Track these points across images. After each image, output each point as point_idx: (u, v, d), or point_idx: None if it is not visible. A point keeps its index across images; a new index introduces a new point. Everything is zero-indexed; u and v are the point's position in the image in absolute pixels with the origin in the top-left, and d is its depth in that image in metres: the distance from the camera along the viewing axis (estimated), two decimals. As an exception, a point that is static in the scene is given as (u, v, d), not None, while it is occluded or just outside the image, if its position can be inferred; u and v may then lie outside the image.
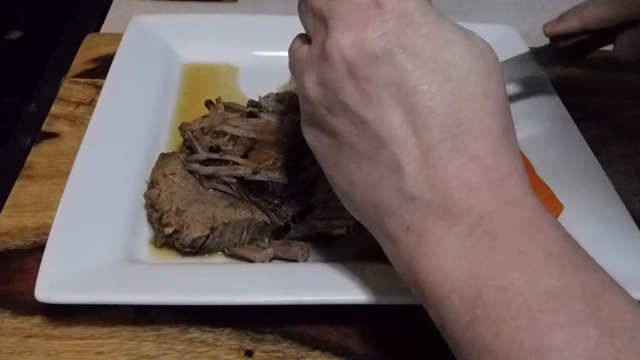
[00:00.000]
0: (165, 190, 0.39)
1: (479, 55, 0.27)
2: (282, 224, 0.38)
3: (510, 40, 0.57)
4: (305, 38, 0.31)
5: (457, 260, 0.25)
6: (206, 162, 0.40)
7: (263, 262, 0.37)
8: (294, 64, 0.31)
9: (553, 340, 0.22)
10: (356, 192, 0.29)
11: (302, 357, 0.34)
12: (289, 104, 0.42)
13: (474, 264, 0.24)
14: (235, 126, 0.40)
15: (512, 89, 0.52)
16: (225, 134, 0.40)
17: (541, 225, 0.25)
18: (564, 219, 0.40)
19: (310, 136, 0.31)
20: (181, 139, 0.43)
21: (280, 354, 0.34)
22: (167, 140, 0.46)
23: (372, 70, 0.26)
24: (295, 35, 0.31)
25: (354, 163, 0.28)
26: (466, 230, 0.25)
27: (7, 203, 0.41)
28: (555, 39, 0.49)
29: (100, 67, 0.53)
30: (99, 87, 0.50)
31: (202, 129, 0.42)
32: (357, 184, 0.29)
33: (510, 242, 0.24)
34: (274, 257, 0.38)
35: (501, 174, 0.26)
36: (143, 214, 0.39)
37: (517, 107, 0.50)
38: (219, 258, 0.38)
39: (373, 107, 0.27)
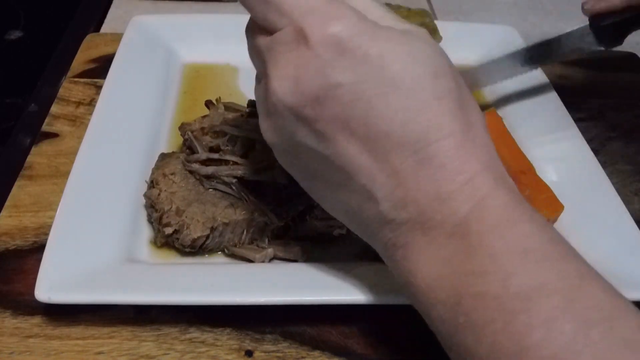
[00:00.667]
0: (165, 190, 0.39)
1: (423, 59, 0.26)
2: (282, 224, 0.38)
3: (510, 40, 0.57)
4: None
5: (439, 272, 0.25)
6: (206, 162, 0.40)
7: (263, 262, 0.37)
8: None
9: (529, 340, 0.22)
10: (338, 214, 0.30)
11: (302, 357, 0.34)
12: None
13: (454, 274, 0.25)
14: (235, 126, 0.40)
15: (512, 89, 0.52)
16: (225, 134, 0.40)
17: (513, 221, 0.25)
18: (564, 219, 0.40)
19: (289, 171, 0.31)
20: (181, 139, 0.43)
21: (280, 354, 0.34)
22: (167, 140, 0.46)
23: (317, 111, 0.26)
24: None
25: (331, 194, 0.29)
26: (444, 241, 0.25)
27: (7, 203, 0.41)
28: (595, 18, 0.46)
29: (100, 67, 0.53)
30: (99, 87, 0.50)
31: (202, 129, 0.42)
32: (339, 211, 0.30)
33: (482, 246, 0.24)
34: (274, 257, 0.38)
35: (470, 175, 0.25)
36: (143, 214, 0.39)
37: (517, 107, 0.50)
38: (219, 258, 0.38)
39: (330, 143, 0.27)
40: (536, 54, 0.48)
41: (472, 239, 0.25)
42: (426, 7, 0.71)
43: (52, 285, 0.33)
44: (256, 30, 0.28)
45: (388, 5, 0.51)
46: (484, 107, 0.51)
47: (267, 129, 0.29)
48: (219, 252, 0.38)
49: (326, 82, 0.25)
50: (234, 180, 0.38)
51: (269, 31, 0.27)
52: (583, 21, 0.48)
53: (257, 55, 0.29)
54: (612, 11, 0.45)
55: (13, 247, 0.38)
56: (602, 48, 0.47)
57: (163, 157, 0.42)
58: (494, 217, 0.25)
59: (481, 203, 0.25)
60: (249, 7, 0.28)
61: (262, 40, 0.28)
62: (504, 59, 0.49)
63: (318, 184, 0.29)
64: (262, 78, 0.29)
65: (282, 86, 0.26)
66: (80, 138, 0.42)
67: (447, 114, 0.26)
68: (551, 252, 0.24)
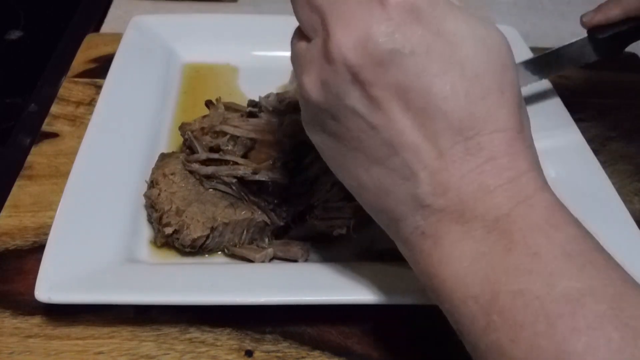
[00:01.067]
0: (165, 190, 0.39)
1: (493, 48, 0.25)
2: (282, 224, 0.39)
3: (510, 40, 0.56)
4: (304, 32, 0.28)
5: (473, 266, 0.24)
6: (206, 162, 0.40)
7: (263, 262, 0.37)
8: (294, 58, 0.29)
9: (573, 345, 0.21)
10: (366, 195, 0.28)
11: (302, 357, 0.34)
12: (289, 104, 0.42)
13: (490, 269, 0.24)
14: (235, 126, 0.40)
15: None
16: (225, 134, 0.40)
17: (558, 224, 0.24)
18: (564, 219, 0.40)
19: (314, 137, 0.29)
20: (181, 139, 0.43)
21: (280, 354, 0.34)
22: (167, 140, 0.46)
23: (379, 75, 0.25)
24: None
25: (363, 169, 0.27)
26: (482, 234, 0.24)
27: (7, 203, 0.41)
28: (593, 30, 0.46)
29: (100, 67, 0.53)
30: (99, 87, 0.50)
31: (202, 129, 0.42)
32: (367, 188, 0.28)
33: (526, 244, 0.23)
34: (274, 257, 0.38)
35: (517, 173, 0.25)
36: (143, 214, 0.39)
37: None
38: (219, 258, 0.38)
39: (382, 112, 0.25)
40: (536, 67, 0.49)
41: (515, 236, 0.24)
42: (426, 7, 0.70)
43: (52, 285, 0.33)
44: None
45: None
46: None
47: (311, 84, 0.27)
48: (219, 252, 0.38)
49: (395, 47, 0.24)
50: (234, 180, 0.38)
51: None
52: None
53: (312, 8, 0.26)
54: (610, 23, 0.46)
55: (13, 247, 0.38)
56: (601, 58, 0.47)
57: (163, 157, 0.42)
58: (539, 217, 0.24)
59: (527, 202, 0.24)
60: None
61: None
62: None
63: (351, 155, 0.27)
64: (313, 33, 0.27)
65: (347, 40, 0.25)
66: (80, 138, 0.42)
67: (507, 108, 0.25)
68: (596, 257, 0.23)
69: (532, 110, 0.50)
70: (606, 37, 0.46)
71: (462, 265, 0.24)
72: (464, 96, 0.24)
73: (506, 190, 0.24)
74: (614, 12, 0.45)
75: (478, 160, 0.25)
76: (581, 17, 0.47)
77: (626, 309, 0.22)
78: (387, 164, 0.26)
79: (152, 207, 0.38)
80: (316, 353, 0.34)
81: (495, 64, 0.25)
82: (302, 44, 0.28)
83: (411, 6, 0.24)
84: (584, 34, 0.48)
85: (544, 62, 0.48)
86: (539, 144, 0.46)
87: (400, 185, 0.26)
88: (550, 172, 0.44)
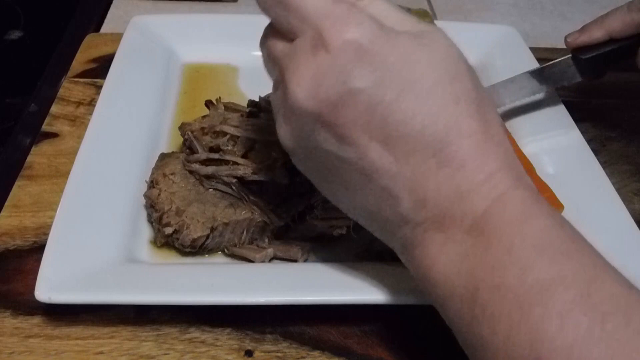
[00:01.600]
0: (165, 190, 0.39)
1: (440, 63, 0.26)
2: (282, 224, 0.38)
3: (510, 40, 0.57)
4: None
5: (457, 267, 0.26)
6: (206, 162, 0.40)
7: (263, 262, 0.37)
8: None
9: (544, 331, 0.22)
10: (357, 216, 0.30)
11: (302, 357, 0.34)
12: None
13: (472, 269, 0.25)
14: (235, 126, 0.40)
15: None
16: (225, 134, 0.40)
17: (531, 217, 0.25)
18: (564, 219, 0.40)
19: (299, 167, 0.31)
20: (181, 139, 0.43)
21: (280, 354, 0.34)
22: (167, 140, 0.46)
23: (339, 116, 0.26)
24: None
25: (349, 194, 0.29)
26: (462, 237, 0.26)
27: (7, 203, 0.41)
28: (577, 50, 0.47)
29: (100, 67, 0.53)
30: (99, 87, 0.50)
31: (202, 129, 0.42)
32: (355, 210, 0.30)
33: (500, 241, 0.25)
34: (274, 257, 0.38)
35: (488, 174, 0.26)
36: (143, 214, 0.39)
37: (517, 107, 0.50)
38: (219, 258, 0.38)
39: (351, 147, 0.27)
40: (517, 86, 0.49)
41: (490, 234, 0.25)
42: (426, 7, 0.71)
43: (52, 285, 0.33)
44: (274, 38, 0.29)
45: (388, 5, 0.51)
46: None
47: (285, 135, 0.29)
48: (219, 252, 0.38)
49: (345, 87, 0.26)
50: (234, 180, 0.38)
51: (289, 38, 0.28)
52: (583, 22, 0.48)
53: (275, 62, 0.29)
54: (593, 44, 0.47)
55: (13, 247, 0.38)
56: (585, 79, 0.48)
57: (163, 157, 0.42)
58: (512, 213, 0.25)
59: (500, 199, 0.26)
60: (268, 13, 0.28)
61: (281, 47, 0.28)
62: (489, 90, 0.48)
63: (337, 186, 0.29)
64: (279, 85, 0.29)
65: (302, 91, 0.26)
66: (80, 138, 0.42)
67: (466, 115, 0.26)
68: (568, 246, 0.25)
69: (532, 110, 0.50)
70: (589, 57, 0.47)
71: (447, 268, 0.26)
72: (421, 115, 0.26)
73: (479, 192, 0.26)
74: (598, 34, 0.46)
75: (450, 171, 0.26)
76: (565, 38, 0.48)
77: (595, 293, 0.23)
78: (367, 191, 0.28)
79: (152, 207, 0.38)
80: (316, 353, 0.34)
81: (445, 76, 0.26)
82: (273, 94, 0.30)
83: (352, 45, 0.25)
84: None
85: (526, 81, 0.49)
86: (539, 144, 0.47)
87: (384, 207, 0.28)
88: (550, 171, 0.44)
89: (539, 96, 0.50)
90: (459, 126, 0.26)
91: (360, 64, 0.25)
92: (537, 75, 0.49)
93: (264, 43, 0.30)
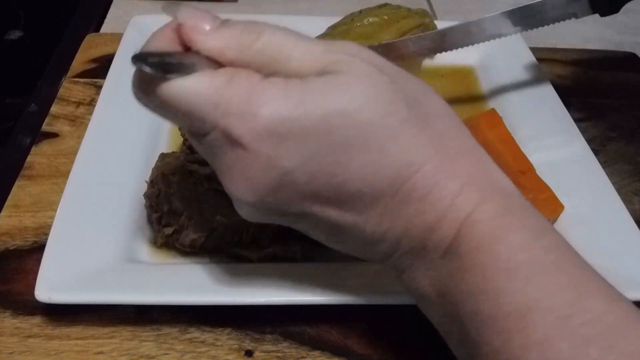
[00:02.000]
0: (165, 191, 0.39)
1: (363, 103, 0.24)
2: (282, 224, 0.38)
3: (510, 40, 0.56)
4: None
5: (438, 291, 0.26)
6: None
7: (263, 262, 0.37)
8: None
9: None
10: (338, 248, 0.30)
11: (302, 357, 0.34)
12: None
13: (451, 293, 0.25)
14: (235, 126, 0.40)
15: (512, 89, 0.52)
16: (225, 134, 0.40)
17: (502, 234, 0.24)
18: (564, 219, 0.40)
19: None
20: (181, 139, 0.43)
21: (280, 354, 0.34)
22: (167, 140, 0.46)
23: (282, 197, 0.25)
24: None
25: (329, 241, 0.29)
26: (439, 263, 0.25)
27: (7, 203, 0.41)
28: None
29: (100, 67, 0.53)
30: (99, 87, 0.50)
31: (202, 129, 0.41)
32: (334, 245, 0.29)
33: (473, 265, 0.24)
34: (274, 257, 0.38)
35: (450, 199, 0.25)
36: (143, 214, 0.39)
37: (517, 107, 0.50)
38: (219, 258, 0.38)
39: (308, 218, 0.26)
40: (522, 16, 0.45)
41: (464, 260, 0.24)
42: (426, 7, 0.71)
43: (52, 285, 0.33)
44: (190, 136, 0.27)
45: (388, 5, 0.51)
46: (484, 108, 0.51)
47: (246, 216, 0.28)
48: (219, 252, 0.38)
49: (277, 174, 0.24)
50: (234, 180, 0.38)
51: (202, 134, 0.25)
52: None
53: (204, 156, 0.28)
54: None
55: (13, 247, 0.38)
56: (596, 14, 0.44)
57: (163, 157, 0.42)
58: (481, 234, 0.24)
59: (467, 222, 0.24)
60: (168, 119, 0.27)
61: (198, 145, 0.27)
62: (486, 20, 0.46)
63: (318, 236, 0.29)
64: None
65: (238, 189, 0.25)
66: (80, 138, 0.42)
67: (410, 147, 0.25)
68: (544, 263, 0.23)
69: (532, 110, 0.50)
70: None
71: (431, 292, 0.26)
72: (363, 168, 0.24)
73: (445, 219, 0.25)
74: None
75: (413, 205, 0.25)
76: None
77: (575, 315, 0.22)
78: (345, 241, 0.28)
79: (152, 207, 0.38)
80: (316, 353, 0.34)
81: (370, 121, 0.24)
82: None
83: (265, 132, 0.24)
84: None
85: (527, 13, 0.45)
86: (539, 145, 0.47)
87: (366, 248, 0.28)
88: (549, 171, 0.44)
89: (539, 89, 0.50)
90: (407, 162, 0.25)
91: (281, 147, 0.24)
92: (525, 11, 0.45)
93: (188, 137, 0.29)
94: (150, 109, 0.26)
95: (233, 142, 0.24)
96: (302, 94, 0.24)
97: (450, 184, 0.25)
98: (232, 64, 0.25)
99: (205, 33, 0.25)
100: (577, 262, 0.24)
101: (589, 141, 0.47)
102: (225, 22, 0.26)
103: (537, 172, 0.43)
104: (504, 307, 0.23)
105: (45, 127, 0.47)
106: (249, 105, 0.24)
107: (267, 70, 0.25)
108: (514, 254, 0.23)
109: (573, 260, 0.24)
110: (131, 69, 0.26)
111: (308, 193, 0.25)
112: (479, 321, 0.23)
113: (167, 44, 0.26)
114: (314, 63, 0.25)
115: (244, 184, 0.25)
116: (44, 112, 0.48)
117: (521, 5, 0.45)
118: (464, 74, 0.56)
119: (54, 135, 0.46)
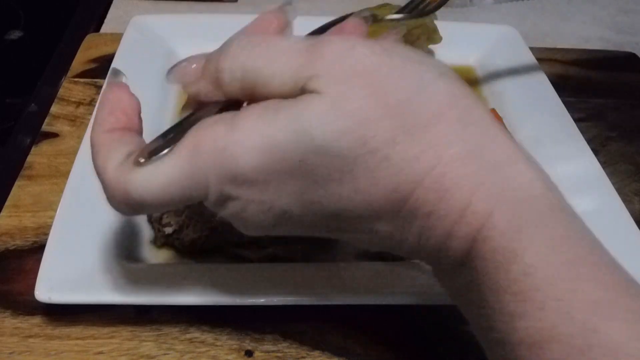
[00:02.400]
0: (165, 190, 0.39)
1: (333, 149, 0.23)
2: (282, 224, 0.38)
3: (510, 40, 0.57)
4: None
5: (461, 301, 0.26)
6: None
7: (263, 262, 0.37)
8: None
9: None
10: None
11: (302, 357, 0.34)
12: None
13: (466, 304, 0.25)
14: (235, 126, 0.40)
15: (512, 89, 0.52)
16: (225, 134, 0.40)
17: (514, 251, 0.22)
18: (564, 219, 0.40)
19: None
20: (181, 139, 0.43)
21: (280, 354, 0.34)
22: (167, 140, 0.46)
23: (285, 231, 0.26)
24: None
25: (365, 244, 0.28)
26: (458, 270, 0.25)
27: (7, 203, 0.41)
28: None
29: (100, 67, 0.53)
30: (99, 87, 0.50)
31: (202, 129, 0.41)
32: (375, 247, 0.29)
33: (487, 285, 0.23)
34: (274, 257, 0.38)
35: (457, 214, 0.23)
36: (143, 214, 0.39)
37: (517, 107, 0.50)
38: (219, 258, 0.38)
39: (331, 243, 0.28)
40: None
41: (479, 278, 0.23)
42: (426, 7, 0.70)
43: (52, 285, 0.33)
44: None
45: (388, 5, 0.50)
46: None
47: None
48: (219, 252, 0.38)
49: (272, 214, 0.24)
50: (234, 180, 0.38)
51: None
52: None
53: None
54: None
55: (13, 247, 0.38)
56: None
57: (163, 157, 0.42)
58: (494, 249, 0.22)
59: (478, 237, 0.23)
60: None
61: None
62: None
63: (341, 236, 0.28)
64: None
65: (246, 231, 0.27)
66: (80, 138, 0.42)
67: (402, 164, 0.23)
68: (558, 287, 0.21)
69: (532, 110, 0.50)
70: None
71: (453, 297, 0.26)
72: (354, 194, 0.23)
73: (457, 235, 0.23)
74: None
75: (422, 221, 0.24)
76: None
77: (594, 346, 0.20)
78: (365, 243, 0.27)
79: (152, 207, 0.38)
80: (316, 353, 0.34)
81: (353, 149, 0.22)
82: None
83: (249, 181, 0.23)
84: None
85: None
86: (539, 145, 0.47)
87: (393, 250, 0.27)
88: (550, 172, 0.44)
89: (539, 89, 0.50)
90: (402, 178, 0.23)
91: (268, 191, 0.24)
92: None
93: None
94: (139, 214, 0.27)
95: (226, 197, 0.24)
96: (274, 134, 0.23)
97: (457, 195, 0.23)
98: (223, 97, 0.26)
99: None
100: (597, 275, 0.22)
101: (589, 141, 0.47)
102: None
103: (537, 172, 0.43)
104: (518, 332, 0.22)
105: (45, 127, 0.47)
106: (223, 167, 0.23)
107: (252, 92, 0.25)
108: (530, 274, 0.22)
109: (594, 272, 0.22)
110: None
111: (309, 223, 0.25)
112: (492, 338, 0.23)
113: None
114: (294, 79, 0.24)
115: (247, 228, 0.26)
116: (44, 112, 0.48)
117: None
118: (464, 73, 0.56)
119: (54, 135, 0.46)
